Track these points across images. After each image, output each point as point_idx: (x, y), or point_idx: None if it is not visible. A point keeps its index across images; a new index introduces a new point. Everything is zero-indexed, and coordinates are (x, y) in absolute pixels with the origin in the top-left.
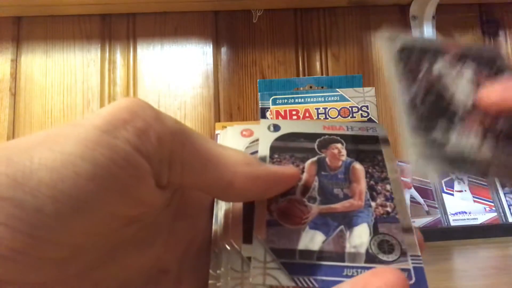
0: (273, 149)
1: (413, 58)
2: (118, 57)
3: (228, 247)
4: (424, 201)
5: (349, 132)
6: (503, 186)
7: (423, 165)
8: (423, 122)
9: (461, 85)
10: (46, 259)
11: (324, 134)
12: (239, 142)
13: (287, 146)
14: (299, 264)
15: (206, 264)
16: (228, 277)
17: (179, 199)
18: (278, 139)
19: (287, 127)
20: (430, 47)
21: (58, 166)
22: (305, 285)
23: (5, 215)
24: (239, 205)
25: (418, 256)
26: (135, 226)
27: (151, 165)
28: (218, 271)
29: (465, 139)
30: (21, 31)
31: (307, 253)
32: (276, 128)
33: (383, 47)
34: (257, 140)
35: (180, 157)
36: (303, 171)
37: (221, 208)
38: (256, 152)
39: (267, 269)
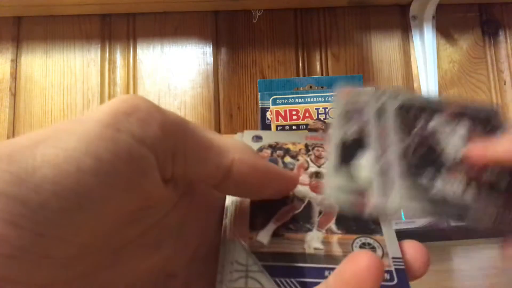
0: None
1: (410, 115)
2: (118, 57)
3: (235, 241)
4: None
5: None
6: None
7: (405, 207)
8: (412, 170)
9: (452, 141)
10: (52, 258)
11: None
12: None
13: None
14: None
15: (214, 270)
16: (232, 269)
17: (189, 203)
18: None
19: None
20: (428, 105)
21: (61, 162)
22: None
23: (10, 212)
24: (248, 200)
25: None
26: (142, 225)
27: (156, 156)
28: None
29: (450, 186)
30: (21, 31)
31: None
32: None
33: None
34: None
35: (183, 147)
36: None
37: (232, 203)
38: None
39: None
